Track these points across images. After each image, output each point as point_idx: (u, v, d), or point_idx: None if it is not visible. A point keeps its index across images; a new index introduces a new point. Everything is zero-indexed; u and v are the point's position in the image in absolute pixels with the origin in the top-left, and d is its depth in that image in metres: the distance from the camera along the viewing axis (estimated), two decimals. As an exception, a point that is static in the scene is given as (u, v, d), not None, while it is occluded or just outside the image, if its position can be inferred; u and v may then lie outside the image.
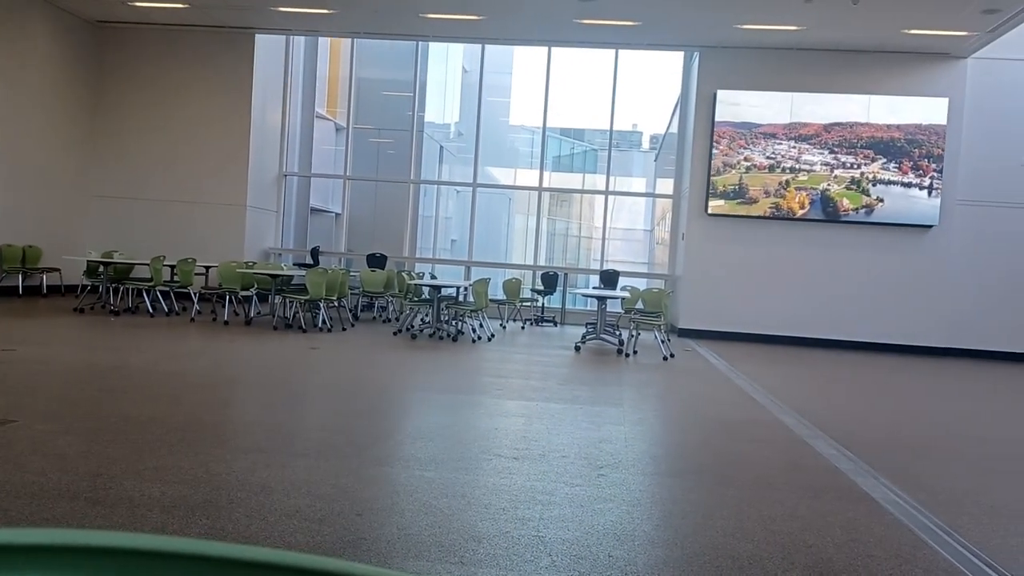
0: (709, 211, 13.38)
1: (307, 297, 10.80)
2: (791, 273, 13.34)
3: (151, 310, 11.58)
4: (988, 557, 3.27)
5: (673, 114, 16.54)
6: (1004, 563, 3.20)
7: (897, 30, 11.89)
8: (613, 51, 14.65)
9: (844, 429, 6.13)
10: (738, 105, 13.24)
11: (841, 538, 3.46)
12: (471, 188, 15.48)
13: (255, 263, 13.12)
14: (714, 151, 13.30)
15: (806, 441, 5.57)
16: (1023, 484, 4.93)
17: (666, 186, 16.31)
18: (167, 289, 11.87)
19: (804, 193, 13.13)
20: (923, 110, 12.84)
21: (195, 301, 11.70)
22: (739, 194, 13.25)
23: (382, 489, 3.89)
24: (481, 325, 11.71)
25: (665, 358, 10.19)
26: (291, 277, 11.86)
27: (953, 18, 11.20)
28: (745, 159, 13.24)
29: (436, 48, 17.32)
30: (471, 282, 11.96)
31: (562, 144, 22.51)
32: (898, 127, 12.87)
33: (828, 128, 13.02)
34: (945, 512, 3.93)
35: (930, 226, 12.97)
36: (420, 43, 15.58)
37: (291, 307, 11.33)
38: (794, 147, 13.13)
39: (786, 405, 7.09)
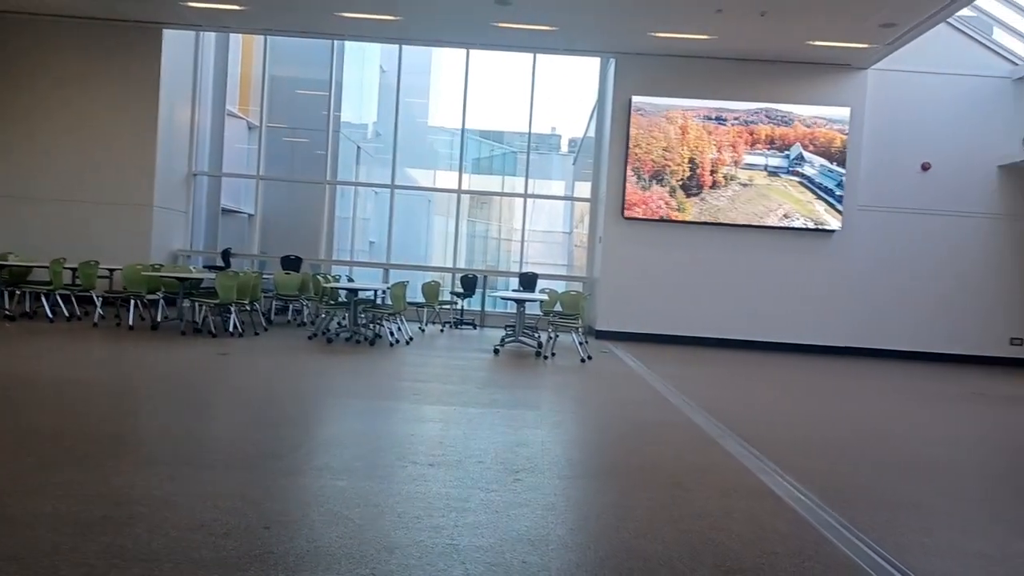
0: (625, 215, 13.60)
1: (217, 301, 10.48)
2: (705, 276, 13.68)
3: (50, 315, 11.04)
4: (883, 550, 3.41)
5: (591, 119, 16.76)
6: (898, 556, 3.35)
7: (802, 41, 12.33)
8: (531, 55, 14.74)
9: (752, 428, 6.31)
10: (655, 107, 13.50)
11: (748, 536, 3.56)
12: (389, 189, 15.33)
13: (162, 265, 12.66)
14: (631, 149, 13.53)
15: (716, 441, 5.71)
16: (916, 479, 5.16)
17: (584, 189, 16.49)
18: (68, 293, 11.34)
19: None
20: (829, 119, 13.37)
21: (98, 305, 11.21)
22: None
23: (292, 500, 3.80)
24: (399, 328, 11.61)
25: (583, 360, 10.30)
26: (200, 280, 11.49)
27: (854, 31, 11.68)
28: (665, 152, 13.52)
29: (353, 47, 17.06)
30: (389, 285, 11.83)
31: (481, 146, 22.51)
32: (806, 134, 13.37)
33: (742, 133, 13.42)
34: (845, 508, 4.08)
35: (833, 231, 13.50)
36: (336, 42, 15.34)
37: (200, 311, 10.98)
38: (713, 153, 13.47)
39: (698, 406, 7.26)
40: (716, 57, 13.39)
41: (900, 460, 5.76)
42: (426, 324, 13.95)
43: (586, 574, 3.03)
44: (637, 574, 3.01)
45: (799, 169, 13.45)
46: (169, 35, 14.00)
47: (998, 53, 13.56)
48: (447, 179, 17.00)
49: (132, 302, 10.96)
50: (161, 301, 11.28)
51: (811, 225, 13.46)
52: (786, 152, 13.42)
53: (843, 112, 13.38)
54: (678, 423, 6.45)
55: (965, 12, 12.56)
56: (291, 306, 13.44)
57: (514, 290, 14.14)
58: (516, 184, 16.82)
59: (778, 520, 3.84)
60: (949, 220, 13.67)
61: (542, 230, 19.78)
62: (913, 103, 13.66)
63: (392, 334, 11.34)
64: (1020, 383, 11.27)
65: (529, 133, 15.32)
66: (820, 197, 13.45)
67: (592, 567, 3.10)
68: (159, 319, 11.23)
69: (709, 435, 5.92)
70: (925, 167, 13.66)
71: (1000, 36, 13.57)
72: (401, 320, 11.66)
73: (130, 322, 10.84)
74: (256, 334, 10.94)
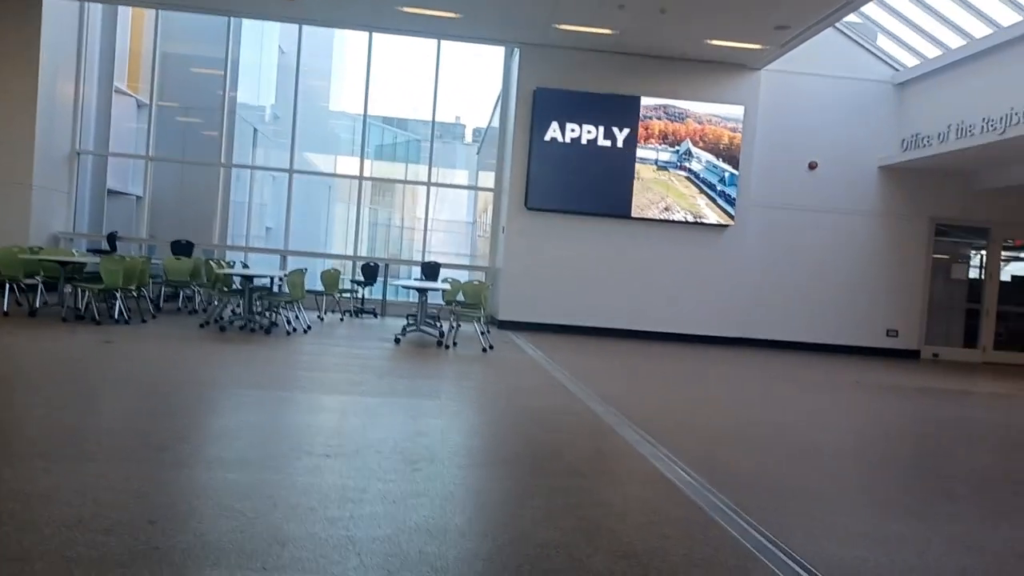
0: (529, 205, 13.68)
1: (102, 286, 9.96)
2: (606, 267, 13.91)
3: (-87, 300, 10.26)
4: (769, 532, 3.54)
5: (495, 109, 16.76)
6: (783, 537, 3.48)
7: (701, 40, 12.66)
8: (436, 41, 14.60)
9: (648, 417, 6.46)
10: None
11: (642, 521, 3.64)
12: (288, 174, 14.93)
13: (42, 248, 11.95)
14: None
15: (613, 429, 5.81)
16: (801, 464, 5.40)
17: (488, 179, 16.50)
18: (-67, 276, 10.56)
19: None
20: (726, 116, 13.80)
21: (-32, 290, 10.47)
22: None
23: (180, 493, 3.65)
24: (297, 317, 11.32)
25: (484, 350, 10.31)
26: (84, 264, 10.89)
27: (750, 32, 12.08)
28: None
29: (251, 26, 16.47)
30: (287, 272, 11.53)
31: (384, 133, 22.20)
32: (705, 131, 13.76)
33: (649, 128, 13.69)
34: (734, 492, 4.23)
35: (727, 225, 13.95)
36: (233, 19, 14.78)
37: (83, 297, 10.41)
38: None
39: (596, 395, 7.38)
40: (619, 52, 13.60)
41: (787, 446, 6.01)
42: (325, 313, 13.68)
43: (484, 562, 3.03)
44: (535, 561, 3.03)
45: (687, 164, 13.83)
46: (50, 4, 13.17)
47: (881, 58, 14.29)
48: (348, 165, 16.66)
49: (8, 286, 10.29)
50: (40, 286, 10.63)
51: (691, 219, 13.84)
52: (676, 147, 13.77)
53: (737, 111, 13.82)
54: (577, 412, 6.54)
55: (852, 18, 13.19)
56: (182, 293, 12.92)
57: (416, 279, 14.02)
58: (419, 172, 16.66)
59: (671, 505, 3.94)
60: (834, 217, 14.35)
61: (445, 219, 19.69)
62: (802, 104, 14.25)
63: (289, 323, 11.06)
64: (895, 372, 11.96)
65: (433, 121, 15.19)
66: (703, 192, 13.86)
67: (490, 555, 3.10)
68: (38, 305, 10.60)
69: (607, 423, 6.02)
70: (812, 166, 14.28)
71: (883, 42, 14.29)
72: (299, 309, 11.38)
73: (5, 308, 10.18)
74: (144, 321, 10.47)
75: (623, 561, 3.08)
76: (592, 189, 13.76)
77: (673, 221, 13.88)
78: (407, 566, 2.89)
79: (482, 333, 10.86)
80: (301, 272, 11.21)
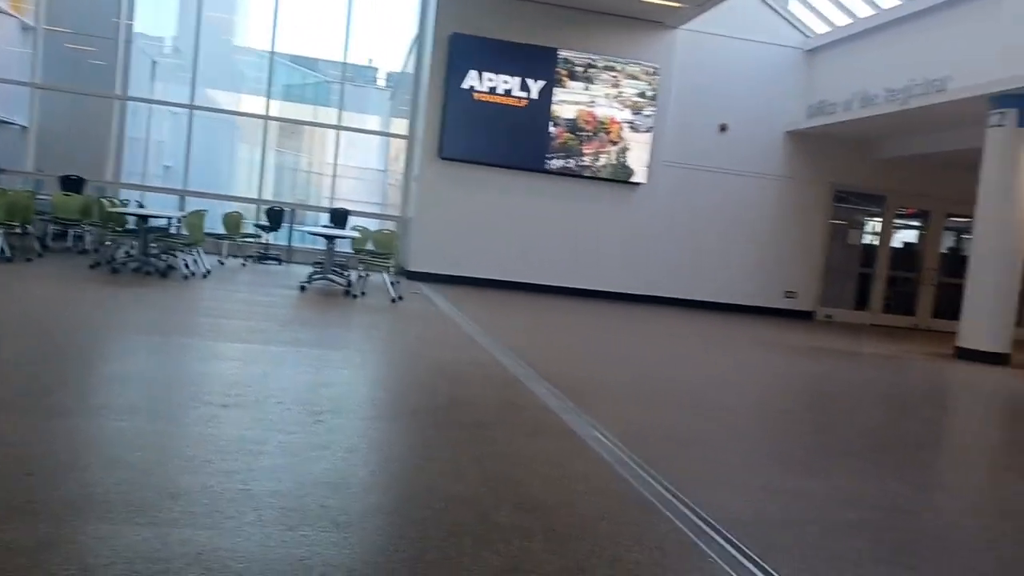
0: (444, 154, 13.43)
1: (-19, 221, 9.27)
2: (518, 221, 13.84)
3: None
4: (672, 486, 3.59)
5: (410, 53, 16.30)
6: (686, 491, 3.53)
7: (621, -5, 12.58)
8: (350, -21, 14.03)
9: (557, 371, 6.48)
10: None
11: (549, 474, 3.62)
12: (188, 110, 14.18)
13: (-88, 178, 11.03)
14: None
15: (522, 382, 5.80)
16: (704, 420, 5.52)
17: (401, 126, 16.10)
18: None
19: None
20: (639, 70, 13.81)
21: None
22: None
23: (61, 443, 3.41)
24: (195, 261, 10.84)
25: (393, 300, 10.14)
26: (-40, 197, 10.10)
27: (668, -11, 12.06)
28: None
29: (150, -51, 15.45)
30: (185, 213, 10.99)
31: (292, 72, 21.33)
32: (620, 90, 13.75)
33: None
34: (639, 446, 4.27)
35: (639, 183, 14.07)
36: (131, -59, 13.81)
37: (-40, 232, 9.68)
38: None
39: (506, 348, 7.36)
40: (538, 1, 13.37)
41: (691, 402, 6.14)
42: (226, 257, 13.18)
43: (387, 516, 2.95)
44: (440, 514, 2.97)
45: (601, 120, 13.82)
46: (-80, -92, 11.98)
47: (793, 24, 14.54)
48: (254, 104, 15.93)
49: None
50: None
51: (604, 175, 13.88)
52: (591, 102, 13.72)
53: (652, 68, 13.85)
54: (485, 364, 6.50)
55: (767, -18, 13.34)
56: (71, 231, 12.18)
57: (324, 226, 13.64)
58: (329, 115, 16.12)
59: (578, 459, 3.95)
60: (741, 180, 14.66)
61: (356, 166, 19.19)
62: (716, 65, 14.38)
63: (187, 267, 10.59)
64: (792, 332, 12.42)
65: (344, 63, 14.68)
66: (616, 148, 13.87)
67: (394, 508, 3.03)
68: (-95, 239, 9.81)
69: (515, 376, 6.00)
70: (723, 128, 14.50)
71: (795, 8, 14.53)
72: (198, 252, 10.89)
73: None
74: (28, 260, 9.83)
75: (529, 514, 3.06)
76: (507, 141, 13.61)
77: (586, 177, 13.90)
78: (307, 520, 2.78)
79: (391, 283, 10.67)
80: (201, 214, 10.72)
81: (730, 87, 14.43)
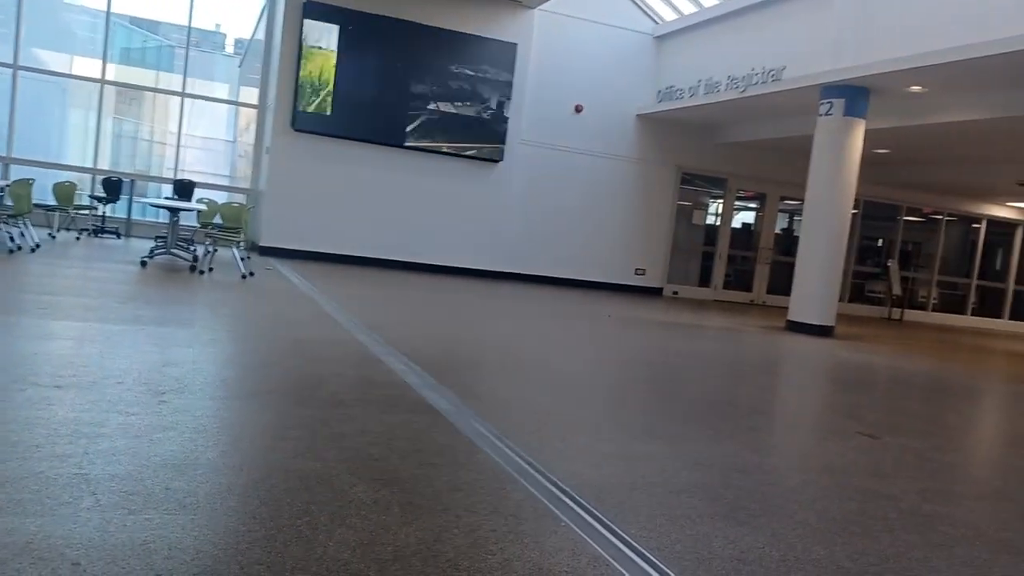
0: (296, 126, 12.99)
1: None
2: (376, 196, 13.64)
3: None
4: (526, 455, 3.68)
5: (260, 19, 15.61)
6: (539, 459, 3.63)
7: (479, -29, 12.58)
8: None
9: (415, 346, 6.47)
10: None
11: (407, 449, 3.62)
12: (11, 70, 13.00)
13: None
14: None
15: (380, 358, 5.75)
16: (556, 391, 5.69)
17: (252, 95, 15.45)
18: None
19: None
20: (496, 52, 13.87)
21: None
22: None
23: None
24: (22, 234, 10.01)
25: (244, 276, 9.77)
26: None
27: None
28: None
29: None
30: (9, 182, 10.11)
31: (132, 35, 19.94)
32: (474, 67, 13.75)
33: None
34: (496, 418, 4.35)
35: (497, 161, 14.19)
36: None
37: None
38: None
39: (363, 324, 7.26)
40: (396, -27, 13.14)
41: (547, 375, 6.30)
42: (58, 230, 12.25)
43: (238, 497, 2.86)
44: (294, 493, 2.91)
45: (460, 96, 13.83)
46: None
47: (643, 10, 15.03)
48: (88, 67, 14.80)
49: None
50: None
51: (464, 152, 13.94)
52: (452, 79, 13.69)
53: (510, 48, 13.95)
54: (342, 341, 6.39)
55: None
56: None
57: (167, 198, 12.93)
58: (172, 81, 15.23)
59: (436, 432, 3.97)
60: (595, 160, 15.08)
61: (202, 136, 18.25)
62: (572, 47, 14.68)
63: (12, 239, 9.76)
64: (642, 307, 12.96)
65: (189, 26, 13.91)
66: (476, 126, 13.97)
67: (245, 489, 2.94)
68: None
69: (373, 353, 5.94)
70: (578, 109, 14.84)
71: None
72: (25, 224, 10.07)
73: None
74: None
75: (386, 489, 3.05)
76: (365, 115, 13.36)
77: (445, 153, 13.87)
78: (151, 504, 2.66)
79: (242, 259, 10.27)
80: (27, 183, 9.91)
81: (585, 69, 14.78)
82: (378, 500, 2.93)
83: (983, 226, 19.26)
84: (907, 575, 2.83)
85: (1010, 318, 19.68)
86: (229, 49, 21.46)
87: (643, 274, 15.74)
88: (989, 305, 19.78)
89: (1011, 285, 19.57)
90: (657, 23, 14.99)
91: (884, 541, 3.14)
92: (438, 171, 13.92)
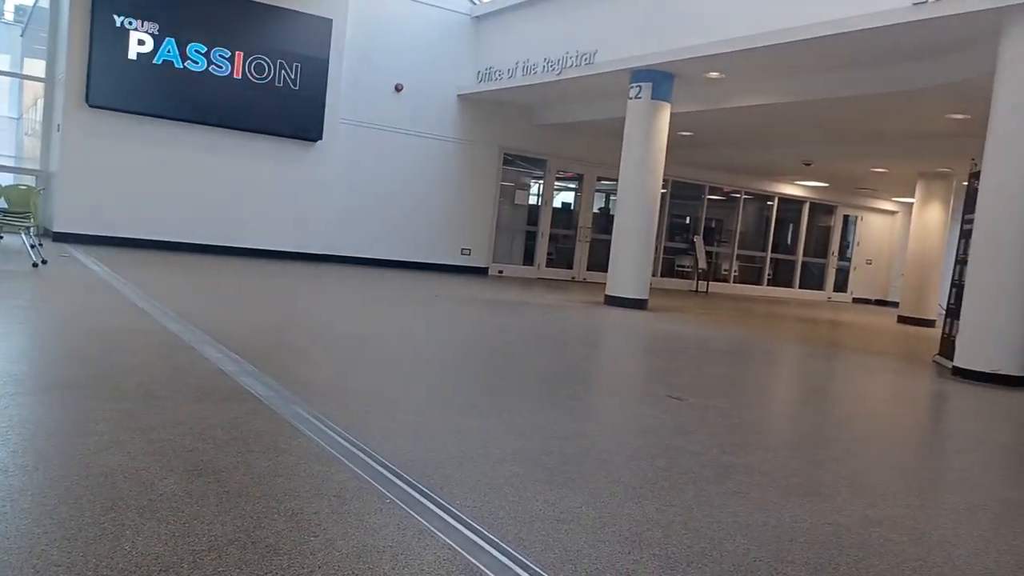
0: (91, 102, 11.99)
1: None
2: (184, 177, 12.88)
3: None
4: (352, 436, 3.65)
5: (46, -16, 14.25)
6: (364, 440, 3.61)
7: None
8: None
9: (229, 332, 6.21)
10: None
11: (223, 438, 3.49)
12: None
13: None
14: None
15: (192, 346, 5.47)
16: (381, 372, 5.66)
17: (38, 68, 14.11)
18: None
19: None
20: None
21: None
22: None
23: None
24: None
25: (36, 265, 8.95)
26: None
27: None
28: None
29: None
30: None
31: None
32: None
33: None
34: (319, 402, 4.27)
35: (315, 140, 13.80)
36: None
37: None
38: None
39: (173, 312, 6.88)
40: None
41: (370, 356, 6.24)
42: None
43: (34, 497, 2.64)
44: (97, 490, 2.73)
45: (271, 72, 13.37)
46: None
47: (462, -8, 15.10)
48: None
49: None
50: None
51: (280, 132, 13.50)
52: (264, 54, 13.17)
53: (326, 22, 13.57)
54: (149, 330, 6.02)
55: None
56: None
57: (-60, 181, 11.58)
58: (-59, 50, 13.62)
59: (255, 419, 3.84)
60: (417, 140, 15.02)
61: (-19, 112, 16.52)
62: (391, 25, 14.50)
63: None
64: (468, 287, 13.10)
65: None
66: (290, 103, 13.56)
67: (40, 489, 2.72)
68: None
69: (184, 341, 5.64)
70: (398, 88, 14.71)
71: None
72: None
73: None
74: None
75: (200, 479, 2.92)
76: (171, 89, 12.57)
77: (259, 131, 13.34)
78: (-74, 514, 2.40)
79: (32, 246, 9.41)
80: None
81: (405, 48, 14.67)
82: (191, 491, 2.80)
83: (775, 203, 21.02)
84: (708, 521, 3.07)
85: (800, 287, 21.66)
86: (9, 16, 19.49)
87: (469, 254, 15.91)
88: (782, 276, 21.70)
89: (800, 257, 21.54)
90: (475, 3, 15.09)
91: (688, 492, 3.38)
92: (253, 151, 13.36)
